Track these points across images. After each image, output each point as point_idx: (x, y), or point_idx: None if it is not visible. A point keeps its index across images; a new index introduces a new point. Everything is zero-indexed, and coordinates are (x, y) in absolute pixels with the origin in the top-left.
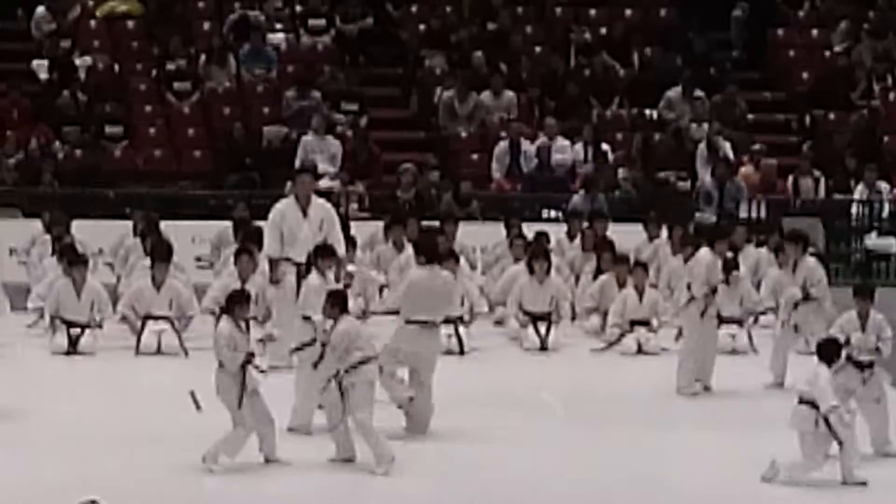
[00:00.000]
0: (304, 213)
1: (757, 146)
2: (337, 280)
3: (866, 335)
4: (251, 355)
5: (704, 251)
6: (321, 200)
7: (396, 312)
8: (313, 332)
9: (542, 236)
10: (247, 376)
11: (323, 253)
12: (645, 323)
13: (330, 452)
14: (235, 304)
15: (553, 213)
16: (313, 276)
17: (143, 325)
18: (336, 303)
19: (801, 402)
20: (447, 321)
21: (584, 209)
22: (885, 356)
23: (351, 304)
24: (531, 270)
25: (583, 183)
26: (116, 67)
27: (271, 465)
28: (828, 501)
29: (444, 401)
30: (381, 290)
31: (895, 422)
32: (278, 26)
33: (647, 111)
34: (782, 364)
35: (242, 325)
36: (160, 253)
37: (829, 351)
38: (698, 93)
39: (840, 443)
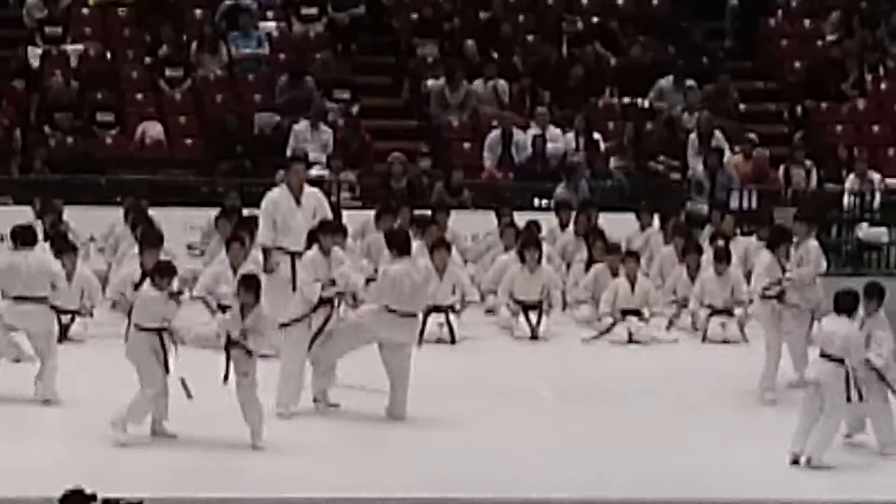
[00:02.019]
0: (298, 202)
1: (749, 136)
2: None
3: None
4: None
5: (765, 252)
6: (313, 189)
7: None
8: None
9: (533, 225)
10: (165, 342)
11: (327, 228)
12: (636, 312)
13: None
14: (163, 274)
15: (545, 203)
16: (313, 251)
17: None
18: (250, 289)
19: (823, 356)
20: (438, 310)
21: (569, 199)
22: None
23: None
24: (522, 259)
25: (564, 172)
26: (108, 55)
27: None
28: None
29: (435, 389)
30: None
31: None
32: (270, 14)
33: (639, 100)
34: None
35: (165, 294)
36: (150, 240)
37: (846, 302)
38: (690, 82)
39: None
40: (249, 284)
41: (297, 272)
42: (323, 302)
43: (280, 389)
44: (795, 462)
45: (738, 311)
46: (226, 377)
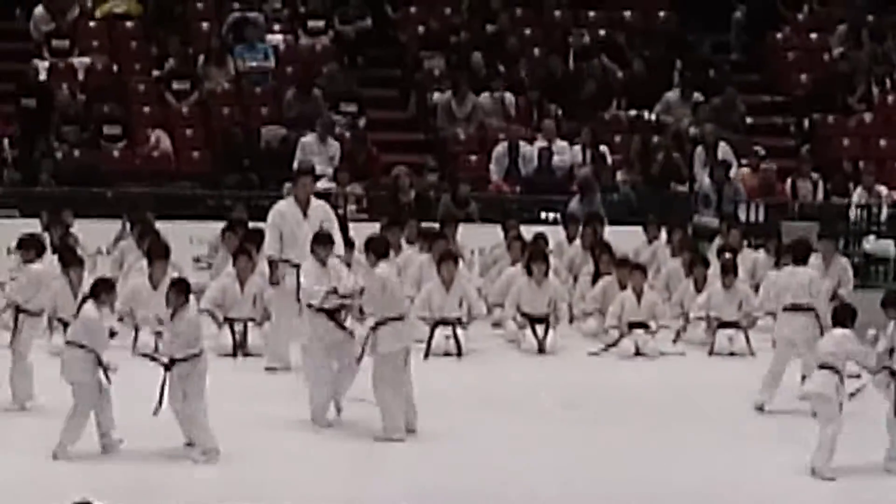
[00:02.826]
0: (304, 215)
1: (756, 149)
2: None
3: None
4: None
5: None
6: (320, 202)
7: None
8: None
9: (540, 238)
10: (102, 360)
11: (320, 240)
12: (643, 325)
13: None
14: (103, 290)
15: (552, 216)
16: (309, 261)
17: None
18: (180, 291)
19: (823, 367)
20: (445, 322)
21: (581, 215)
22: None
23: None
24: (529, 272)
25: (579, 188)
26: (115, 68)
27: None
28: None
29: (442, 402)
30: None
31: None
32: (277, 27)
33: (646, 113)
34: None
35: (106, 310)
36: (157, 252)
37: (843, 315)
38: (697, 95)
39: None
40: (179, 287)
41: (300, 282)
42: (328, 313)
43: (312, 402)
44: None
45: (744, 323)
46: (159, 403)
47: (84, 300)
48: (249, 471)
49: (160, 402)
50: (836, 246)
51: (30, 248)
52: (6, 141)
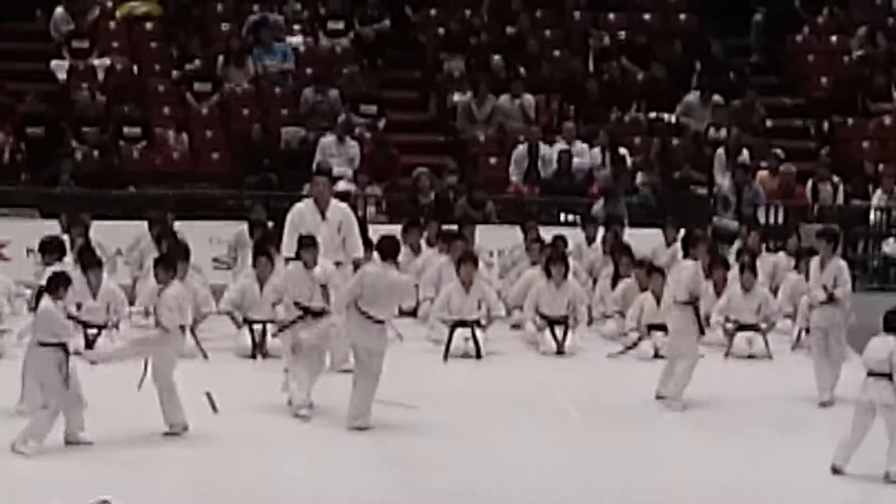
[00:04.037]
0: (323, 216)
1: (776, 151)
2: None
3: None
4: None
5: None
6: (340, 203)
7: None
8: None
9: (559, 240)
10: (68, 356)
11: (306, 243)
12: (662, 328)
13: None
14: (59, 285)
15: (571, 217)
16: (296, 265)
17: None
18: (168, 267)
19: (872, 374)
20: (464, 324)
21: (603, 217)
22: None
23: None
24: (548, 274)
25: (602, 191)
26: (135, 68)
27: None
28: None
29: (461, 403)
30: None
31: None
32: (297, 28)
33: (666, 116)
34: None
35: (61, 304)
36: (177, 253)
37: (893, 321)
38: (717, 98)
39: None
40: (167, 263)
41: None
42: (314, 313)
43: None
44: (835, 472)
45: (763, 326)
46: (66, 382)
47: (39, 295)
48: (281, 469)
49: (143, 378)
50: (833, 247)
51: (52, 250)
52: (23, 142)
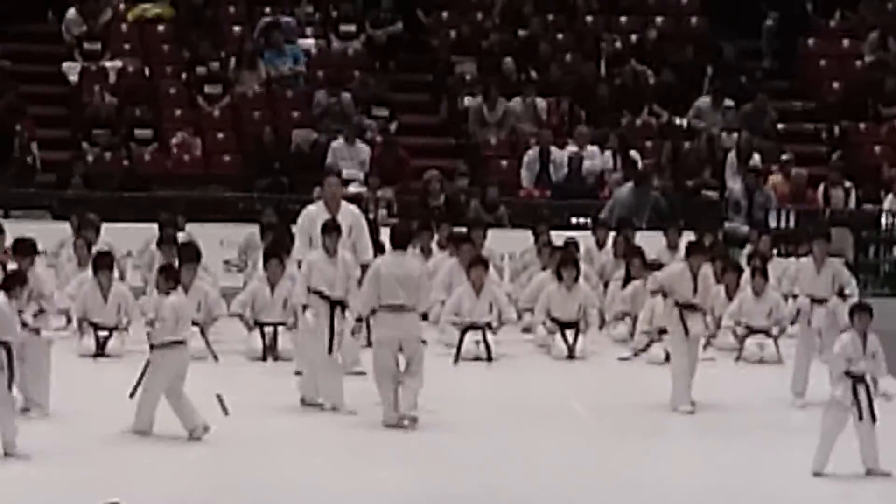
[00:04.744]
0: (333, 218)
1: (786, 155)
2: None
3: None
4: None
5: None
6: (350, 206)
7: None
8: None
9: (570, 244)
10: (13, 357)
11: (328, 230)
12: None
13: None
14: (16, 282)
15: (582, 221)
16: (318, 252)
17: None
18: (169, 276)
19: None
20: (475, 327)
21: (631, 203)
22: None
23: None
24: (559, 278)
25: (635, 178)
26: (147, 71)
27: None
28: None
29: (471, 407)
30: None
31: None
32: (309, 31)
33: (677, 119)
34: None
35: (14, 304)
36: (187, 255)
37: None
38: (728, 102)
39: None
40: (168, 274)
41: (300, 276)
42: (332, 303)
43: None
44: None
45: (774, 330)
46: (132, 393)
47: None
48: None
49: (136, 387)
50: (829, 247)
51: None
52: (34, 144)
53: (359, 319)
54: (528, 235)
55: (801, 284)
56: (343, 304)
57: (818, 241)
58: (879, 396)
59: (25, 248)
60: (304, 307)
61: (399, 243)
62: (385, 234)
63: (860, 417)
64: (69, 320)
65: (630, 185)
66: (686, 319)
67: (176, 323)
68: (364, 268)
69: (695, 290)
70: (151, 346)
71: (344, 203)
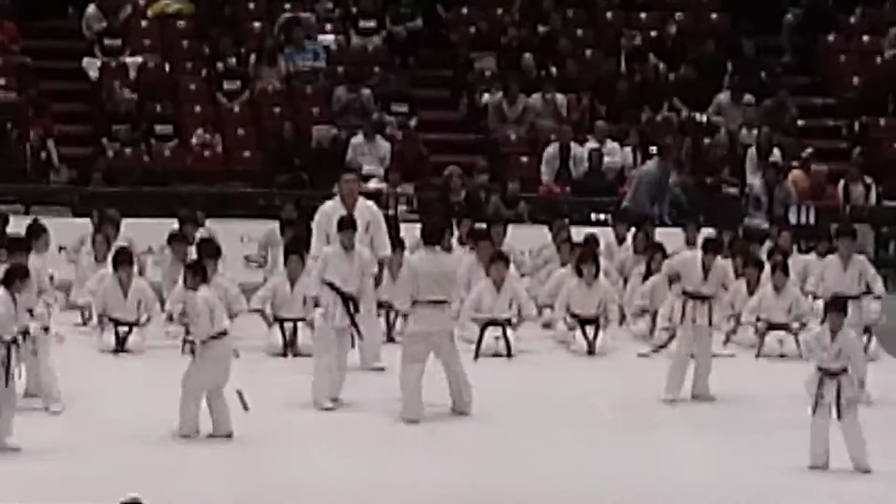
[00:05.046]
0: (350, 215)
1: (808, 151)
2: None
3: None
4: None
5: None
6: (367, 202)
7: None
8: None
9: (591, 239)
10: (11, 353)
11: (344, 225)
12: None
13: None
14: (17, 277)
15: (602, 217)
16: (334, 246)
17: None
18: (197, 272)
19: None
20: (495, 323)
21: (656, 178)
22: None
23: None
24: (580, 273)
25: (658, 151)
26: (167, 67)
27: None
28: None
29: (491, 403)
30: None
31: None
32: (328, 27)
33: (697, 115)
34: None
35: (18, 299)
36: (207, 251)
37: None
38: (748, 97)
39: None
40: (196, 269)
41: (315, 268)
42: (344, 297)
43: (313, 385)
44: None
45: (794, 326)
46: (7, 380)
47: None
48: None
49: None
50: (855, 244)
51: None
52: (51, 141)
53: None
54: (548, 231)
55: (827, 282)
56: (356, 300)
57: (844, 238)
58: (857, 396)
59: (17, 245)
60: (315, 304)
61: (432, 238)
62: (405, 231)
63: (838, 415)
64: (89, 316)
65: (654, 160)
66: (694, 309)
67: (212, 316)
68: (381, 263)
69: (704, 281)
70: (189, 343)
71: (361, 199)
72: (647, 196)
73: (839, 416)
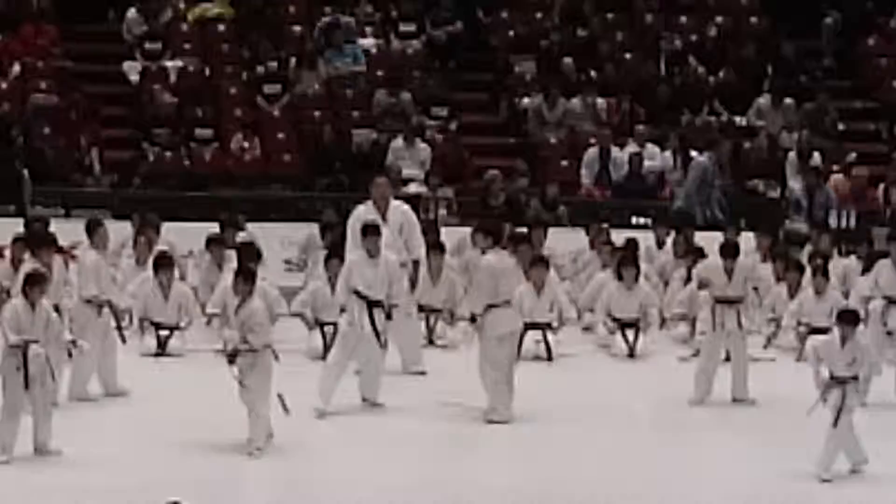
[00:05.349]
0: (384, 218)
1: (851, 156)
2: (412, 282)
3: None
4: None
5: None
6: (400, 203)
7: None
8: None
9: (631, 243)
10: (29, 360)
11: (369, 232)
12: None
13: None
14: (34, 284)
15: (642, 220)
16: (359, 253)
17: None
18: (248, 279)
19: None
20: (535, 327)
21: (708, 169)
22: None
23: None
24: (620, 277)
25: (706, 146)
26: (207, 71)
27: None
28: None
29: (532, 406)
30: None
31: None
32: (369, 31)
33: (737, 119)
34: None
35: (36, 306)
36: (248, 255)
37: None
38: (788, 101)
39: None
40: (247, 276)
41: (342, 275)
42: (371, 303)
43: (320, 383)
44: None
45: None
46: (27, 385)
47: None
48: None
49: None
50: None
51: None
52: (95, 150)
53: (472, 319)
54: (587, 235)
55: (881, 286)
56: (382, 305)
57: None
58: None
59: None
60: (342, 310)
61: (497, 240)
62: (445, 234)
63: (834, 422)
64: (130, 320)
65: (705, 154)
66: (723, 314)
67: (261, 328)
68: (416, 263)
69: (729, 283)
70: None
71: (394, 202)
72: (696, 189)
73: (835, 424)
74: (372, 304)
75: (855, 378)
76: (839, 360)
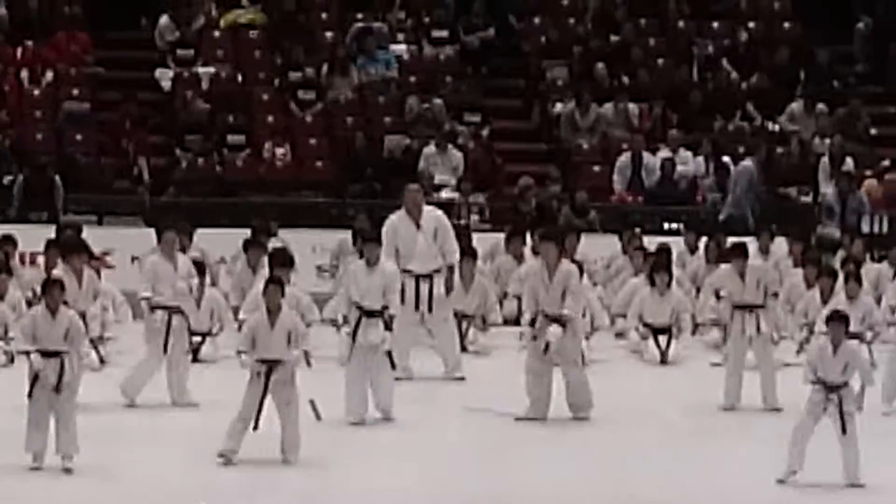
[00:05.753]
0: (417, 225)
1: (884, 163)
2: (448, 288)
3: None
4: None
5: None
6: (432, 209)
7: (516, 322)
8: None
9: (663, 249)
10: (36, 369)
11: (368, 240)
12: None
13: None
14: (51, 290)
15: (674, 226)
16: (359, 262)
17: None
18: (277, 290)
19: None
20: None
21: (753, 173)
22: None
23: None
24: (652, 283)
25: (746, 148)
26: (239, 77)
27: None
28: None
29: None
30: (500, 302)
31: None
32: (401, 37)
33: (770, 124)
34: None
35: (57, 313)
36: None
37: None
38: (821, 106)
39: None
40: (276, 286)
41: (343, 285)
42: (370, 314)
43: (346, 398)
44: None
45: (868, 335)
46: (30, 393)
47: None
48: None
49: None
50: None
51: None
52: (143, 159)
53: (531, 324)
54: (619, 241)
55: None
56: (376, 314)
57: None
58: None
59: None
60: (344, 320)
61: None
62: (477, 240)
63: (843, 430)
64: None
65: (749, 159)
66: (742, 320)
67: (290, 340)
68: (451, 269)
69: (743, 287)
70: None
71: (427, 208)
72: (743, 193)
73: (843, 431)
74: (366, 314)
75: (846, 384)
76: (831, 367)
